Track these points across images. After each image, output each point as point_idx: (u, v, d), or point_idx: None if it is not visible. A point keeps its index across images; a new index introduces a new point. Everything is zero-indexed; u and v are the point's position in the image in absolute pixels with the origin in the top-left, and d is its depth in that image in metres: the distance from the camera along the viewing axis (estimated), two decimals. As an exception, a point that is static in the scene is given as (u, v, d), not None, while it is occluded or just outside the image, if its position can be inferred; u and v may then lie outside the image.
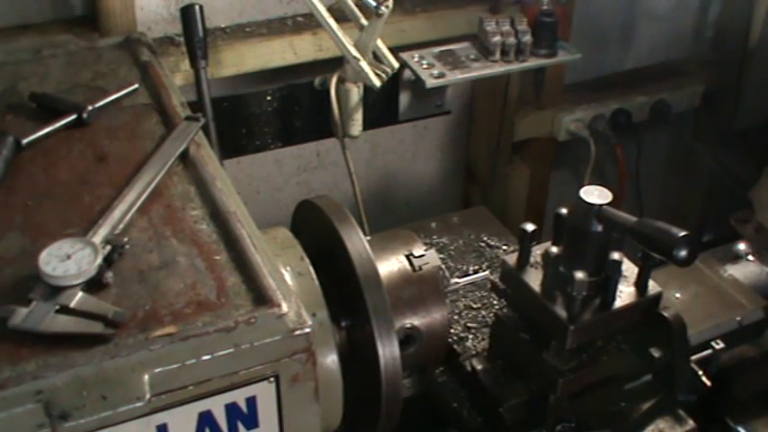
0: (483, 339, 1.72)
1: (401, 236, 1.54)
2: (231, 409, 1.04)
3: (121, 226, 1.15)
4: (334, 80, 1.94)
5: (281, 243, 1.40)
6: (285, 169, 2.37)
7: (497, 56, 2.07)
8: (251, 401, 1.05)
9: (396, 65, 1.91)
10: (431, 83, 2.02)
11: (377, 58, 1.90)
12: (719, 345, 1.71)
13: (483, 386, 1.60)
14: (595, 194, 1.42)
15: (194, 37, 1.82)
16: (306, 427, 1.11)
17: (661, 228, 1.32)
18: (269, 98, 2.08)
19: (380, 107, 2.17)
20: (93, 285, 1.05)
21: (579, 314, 1.43)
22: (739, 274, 2.01)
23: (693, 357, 1.61)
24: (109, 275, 1.07)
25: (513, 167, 2.59)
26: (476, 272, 1.90)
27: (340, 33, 1.81)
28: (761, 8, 2.58)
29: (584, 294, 1.41)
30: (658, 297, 1.51)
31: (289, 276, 1.32)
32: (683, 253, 1.29)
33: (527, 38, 2.07)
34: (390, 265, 1.47)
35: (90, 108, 1.39)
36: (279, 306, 1.05)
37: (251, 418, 1.06)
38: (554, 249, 1.47)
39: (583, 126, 2.51)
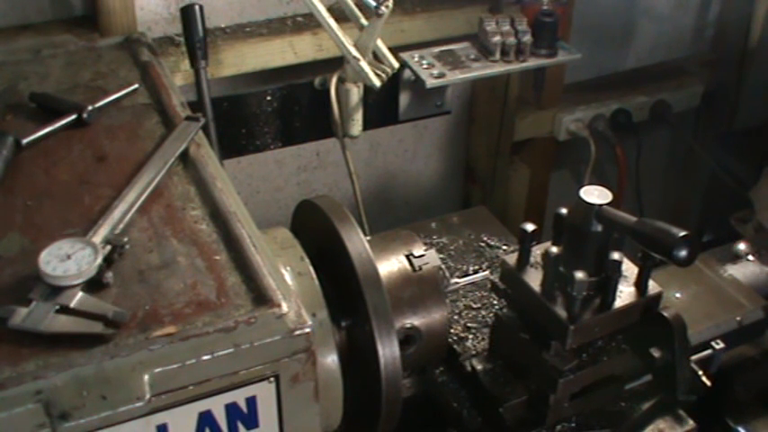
0: (483, 339, 1.72)
1: (401, 236, 1.54)
2: (231, 409, 1.04)
3: (121, 226, 1.15)
4: (334, 80, 1.94)
5: (281, 243, 1.40)
6: (285, 169, 2.37)
7: (497, 56, 2.07)
8: (251, 401, 1.05)
9: (396, 65, 1.91)
10: (431, 83, 2.02)
11: (377, 58, 1.90)
12: (719, 345, 1.71)
13: (483, 386, 1.60)
14: (595, 194, 1.42)
15: (194, 37, 1.82)
16: (306, 427, 1.11)
17: (661, 228, 1.32)
18: (269, 98, 2.08)
19: (380, 107, 2.17)
20: (93, 285, 1.05)
21: (579, 314, 1.43)
22: (739, 274, 2.01)
23: (693, 357, 1.61)
24: (109, 275, 1.07)
25: (513, 167, 2.59)
26: (476, 272, 1.90)
27: (340, 33, 1.81)
28: (761, 8, 2.59)
29: (584, 294, 1.41)
30: (658, 297, 1.51)
31: (289, 276, 1.32)
32: (683, 253, 1.29)
33: (527, 38, 2.07)
34: (390, 265, 1.47)
35: (90, 108, 1.39)
36: (279, 306, 1.05)
37: (251, 418, 1.06)
38: (554, 249, 1.47)
39: (583, 126, 2.51)
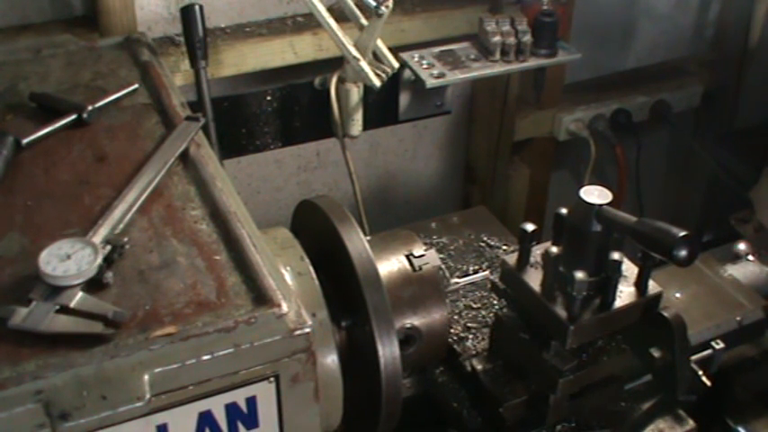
0: (483, 339, 1.72)
1: (401, 236, 1.54)
2: (231, 409, 1.04)
3: (121, 226, 1.15)
4: (334, 80, 1.94)
5: (281, 243, 1.40)
6: (285, 169, 2.37)
7: (497, 56, 2.07)
8: (251, 401, 1.05)
9: (396, 65, 1.91)
10: (431, 83, 2.01)
11: (377, 58, 1.90)
12: (719, 345, 1.71)
13: (483, 386, 1.60)
14: (595, 194, 1.42)
15: (194, 37, 1.82)
16: (306, 427, 1.11)
17: (661, 228, 1.32)
18: (269, 98, 2.08)
19: (380, 107, 2.17)
20: (93, 285, 1.05)
21: (579, 314, 1.43)
22: (739, 274, 2.01)
23: (693, 357, 1.61)
24: (109, 275, 1.07)
25: (513, 167, 2.59)
26: (476, 272, 1.90)
27: (340, 33, 1.81)
28: (761, 8, 2.58)
29: (584, 294, 1.41)
30: (658, 297, 1.51)
31: (289, 276, 1.32)
32: (683, 253, 1.29)
33: (527, 38, 2.07)
34: (390, 265, 1.47)
35: (90, 108, 1.39)
36: (279, 306, 1.05)
37: (251, 418, 1.06)
38: (554, 249, 1.47)
39: (583, 126, 2.51)
